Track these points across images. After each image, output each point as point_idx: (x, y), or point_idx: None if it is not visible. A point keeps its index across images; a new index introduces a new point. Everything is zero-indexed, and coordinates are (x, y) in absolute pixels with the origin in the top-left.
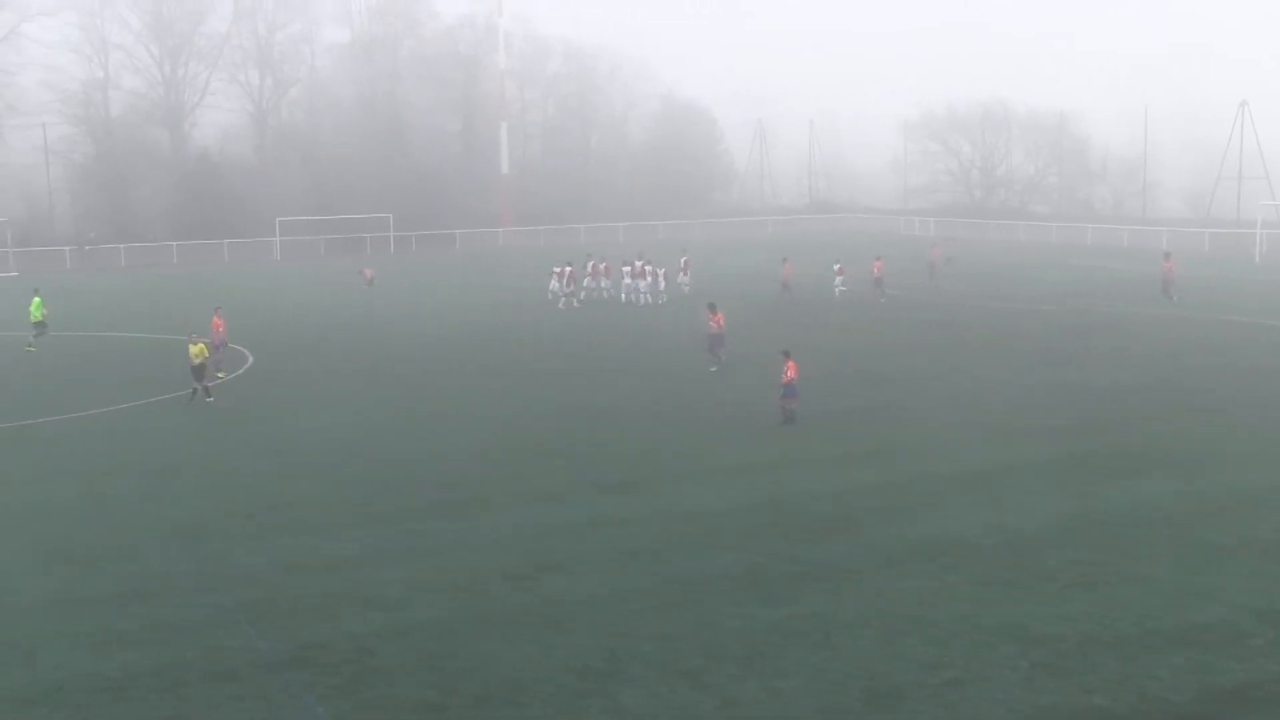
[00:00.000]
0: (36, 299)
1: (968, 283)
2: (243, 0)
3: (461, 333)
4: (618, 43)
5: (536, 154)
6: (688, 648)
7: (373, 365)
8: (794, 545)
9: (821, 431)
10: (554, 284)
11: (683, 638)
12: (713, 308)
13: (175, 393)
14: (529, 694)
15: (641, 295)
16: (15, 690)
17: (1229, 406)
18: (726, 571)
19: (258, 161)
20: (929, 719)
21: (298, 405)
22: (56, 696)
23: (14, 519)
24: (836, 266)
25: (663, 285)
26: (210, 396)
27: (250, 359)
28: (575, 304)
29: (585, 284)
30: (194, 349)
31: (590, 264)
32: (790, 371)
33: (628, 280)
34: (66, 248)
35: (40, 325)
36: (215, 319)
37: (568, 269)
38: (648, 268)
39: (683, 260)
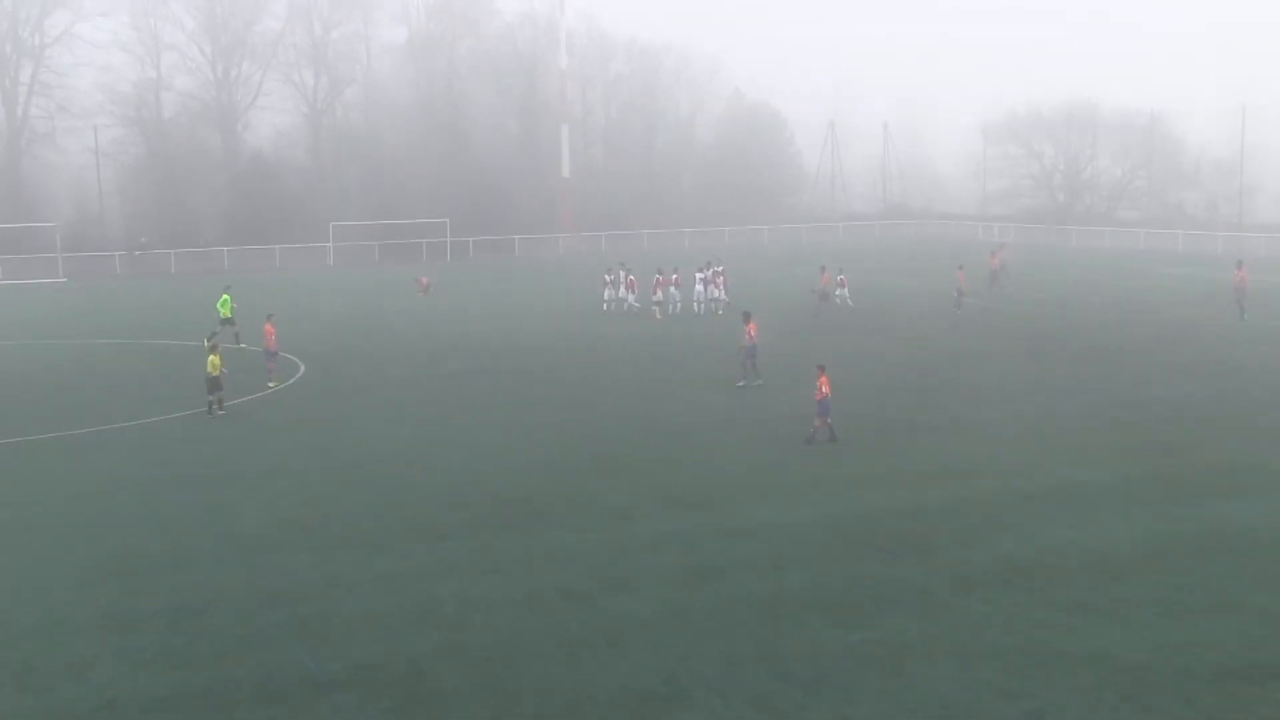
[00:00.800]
0: (225, 295)
1: (1044, 290)
2: None
3: (519, 341)
4: (684, 40)
5: (598, 157)
6: (753, 672)
7: (428, 375)
8: (866, 565)
9: (893, 447)
10: (607, 293)
11: (748, 661)
12: (747, 317)
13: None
14: (588, 718)
15: (704, 304)
16: (66, 707)
17: None
18: (795, 592)
19: (312, 164)
20: None
21: (350, 415)
22: (106, 714)
23: (68, 530)
24: (840, 278)
25: (724, 295)
26: (222, 410)
27: (302, 368)
28: (658, 316)
29: (668, 295)
30: (211, 359)
31: (658, 277)
32: (823, 387)
33: (699, 288)
34: (117, 253)
35: (228, 322)
36: (267, 326)
37: (629, 276)
38: (716, 273)
39: (709, 271)
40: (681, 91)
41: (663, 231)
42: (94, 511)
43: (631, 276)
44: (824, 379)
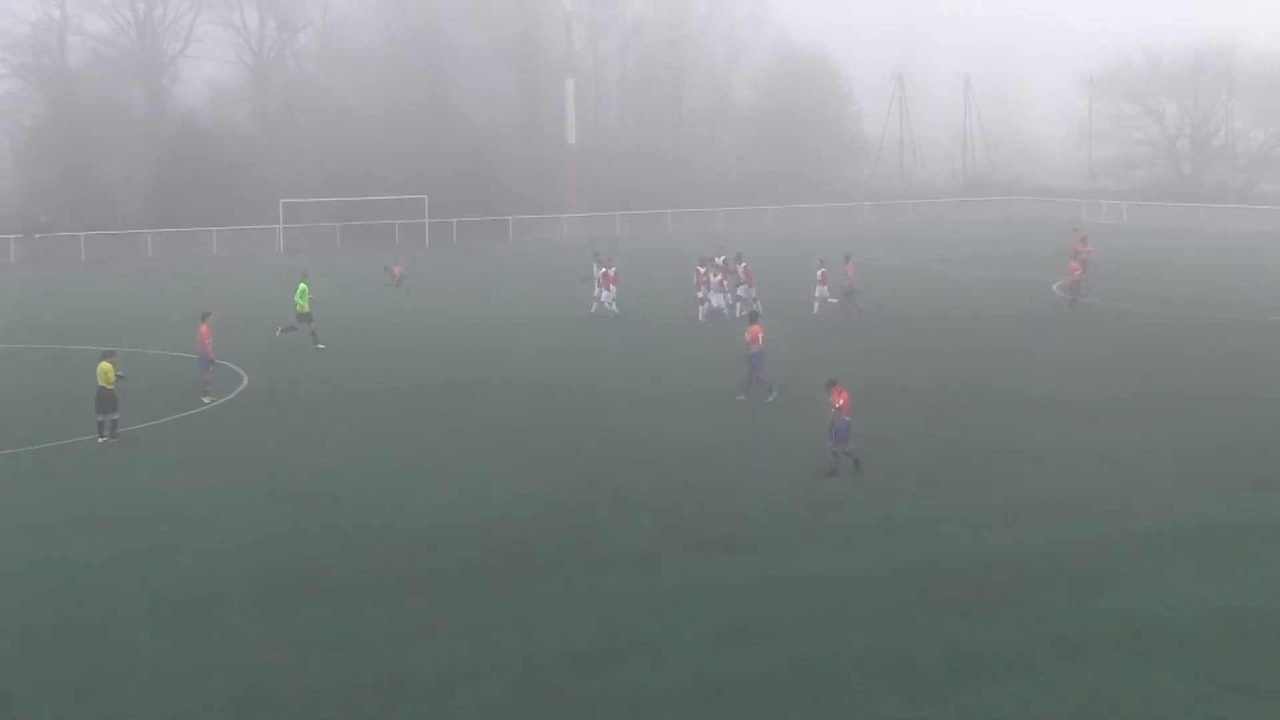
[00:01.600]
0: (303, 285)
1: (1166, 284)
2: None
3: (511, 345)
4: None
5: (612, 120)
6: None
7: (400, 386)
8: (944, 624)
9: (975, 477)
10: (598, 290)
11: None
12: (753, 317)
13: (146, 421)
14: None
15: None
16: None
17: None
18: (858, 658)
19: (257, 127)
20: None
21: (304, 436)
22: None
23: None
24: (820, 272)
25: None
26: (115, 437)
27: (245, 379)
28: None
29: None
30: (102, 367)
31: (700, 270)
32: (840, 404)
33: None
34: (11, 236)
35: (305, 317)
36: (202, 328)
37: (604, 270)
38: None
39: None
40: (715, 39)
41: (692, 211)
42: None
43: (607, 271)
44: (841, 394)
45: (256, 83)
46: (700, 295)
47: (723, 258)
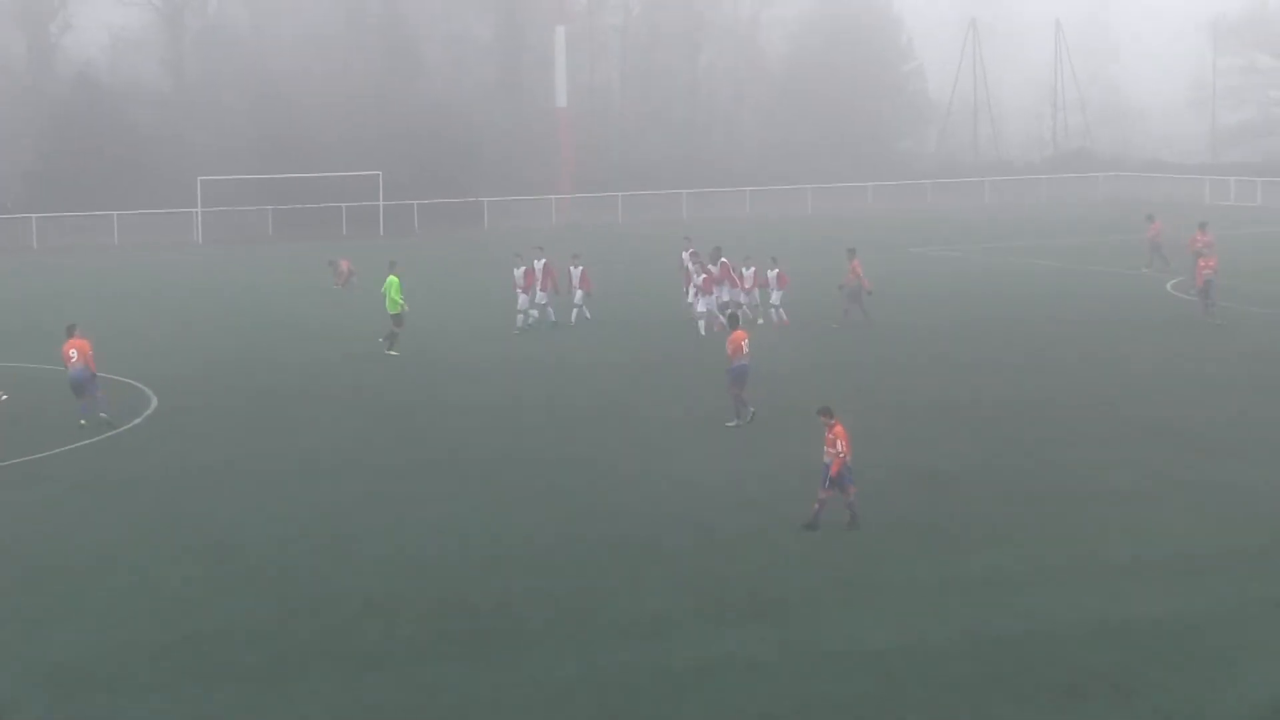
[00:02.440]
0: (393, 278)
1: None
2: None
3: (485, 357)
4: None
5: (612, 79)
6: None
7: (348, 408)
8: (1030, 711)
9: (1060, 525)
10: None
11: None
12: (734, 321)
13: (24, 455)
14: None
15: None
16: None
17: None
18: None
19: (170, 88)
20: None
21: (228, 473)
22: None
23: None
24: (774, 272)
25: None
26: None
27: (154, 401)
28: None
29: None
30: None
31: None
32: (840, 445)
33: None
34: None
35: (398, 319)
36: (69, 344)
37: (533, 263)
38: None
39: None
40: None
41: (711, 191)
42: None
43: (538, 262)
44: (839, 430)
45: (169, 33)
46: (690, 299)
47: (691, 250)
